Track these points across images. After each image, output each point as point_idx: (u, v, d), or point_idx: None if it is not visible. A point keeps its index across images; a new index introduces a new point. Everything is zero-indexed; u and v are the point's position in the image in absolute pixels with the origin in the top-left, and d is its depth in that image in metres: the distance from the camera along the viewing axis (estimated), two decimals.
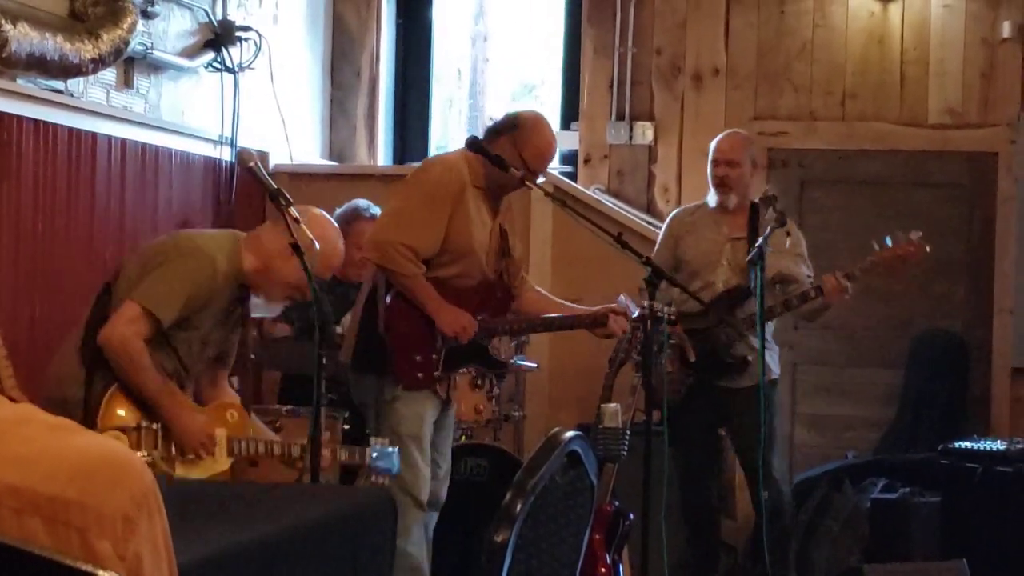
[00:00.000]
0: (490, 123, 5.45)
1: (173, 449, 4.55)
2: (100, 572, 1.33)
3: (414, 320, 5.15)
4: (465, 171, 5.21)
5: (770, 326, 6.16)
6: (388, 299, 5.14)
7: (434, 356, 5.20)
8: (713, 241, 6.36)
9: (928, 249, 6.20)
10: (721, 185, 6.35)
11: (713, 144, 6.44)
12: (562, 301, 5.69)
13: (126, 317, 4.46)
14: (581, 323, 5.46)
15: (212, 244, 4.67)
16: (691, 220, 6.47)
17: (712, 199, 6.42)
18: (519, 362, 6.41)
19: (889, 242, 6.16)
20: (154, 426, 4.49)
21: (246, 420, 4.84)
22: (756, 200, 6.30)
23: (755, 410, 6.18)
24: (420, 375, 5.17)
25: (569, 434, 2.76)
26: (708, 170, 6.44)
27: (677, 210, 6.74)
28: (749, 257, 5.87)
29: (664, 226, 6.55)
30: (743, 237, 6.29)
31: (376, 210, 6.29)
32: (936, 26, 7.84)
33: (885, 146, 7.87)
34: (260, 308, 4.90)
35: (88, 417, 4.40)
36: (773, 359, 6.30)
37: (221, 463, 4.68)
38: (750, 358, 6.19)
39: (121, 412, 4.46)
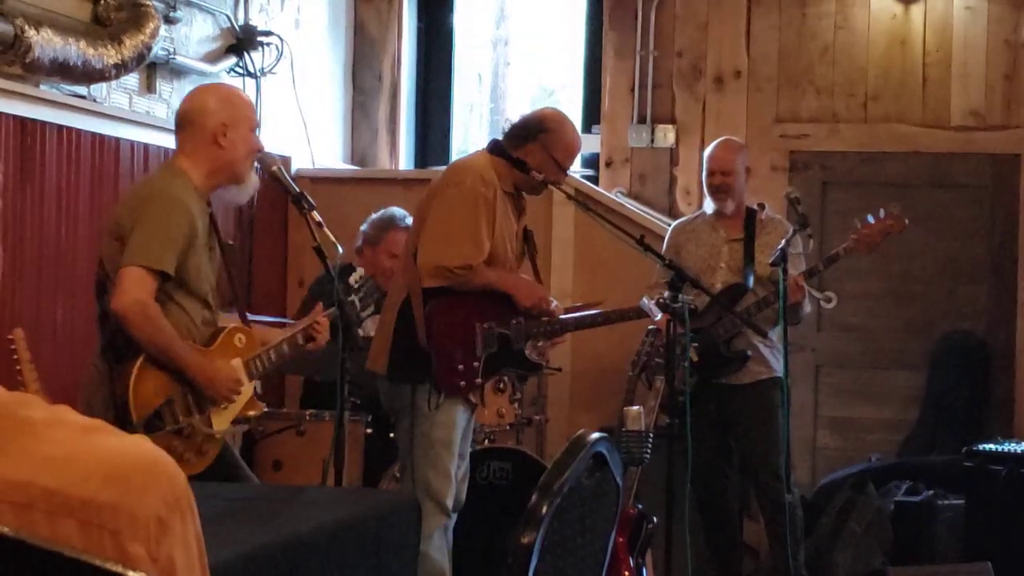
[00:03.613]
0: (509, 127, 5.41)
1: (203, 405, 4.51)
2: (133, 575, 1.33)
3: (454, 329, 5.15)
4: (495, 176, 5.19)
5: (776, 330, 6.21)
6: (426, 310, 5.11)
7: (475, 363, 5.19)
8: (711, 245, 6.52)
9: (907, 221, 6.39)
10: (717, 193, 6.53)
11: (707, 153, 6.63)
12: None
13: (130, 281, 4.32)
14: (612, 319, 5.48)
15: (164, 181, 4.54)
16: (690, 228, 6.65)
17: (709, 206, 6.61)
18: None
19: (871, 219, 6.36)
20: (181, 390, 4.45)
21: (252, 336, 4.76)
22: (752, 205, 6.57)
23: (755, 410, 6.27)
24: (463, 383, 5.17)
25: (595, 435, 2.76)
26: (703, 178, 6.63)
27: (676, 222, 6.92)
28: (771, 259, 5.94)
29: (665, 238, 6.64)
30: (739, 239, 6.47)
31: (409, 221, 6.26)
32: (958, 28, 7.83)
33: (907, 148, 7.86)
34: (241, 193, 4.79)
35: (118, 402, 4.35)
36: (776, 358, 6.34)
37: (246, 391, 4.65)
38: (749, 353, 6.32)
39: (151, 387, 4.40)
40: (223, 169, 4.60)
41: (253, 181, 4.72)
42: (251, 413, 4.78)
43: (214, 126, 4.53)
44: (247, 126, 4.61)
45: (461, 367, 5.16)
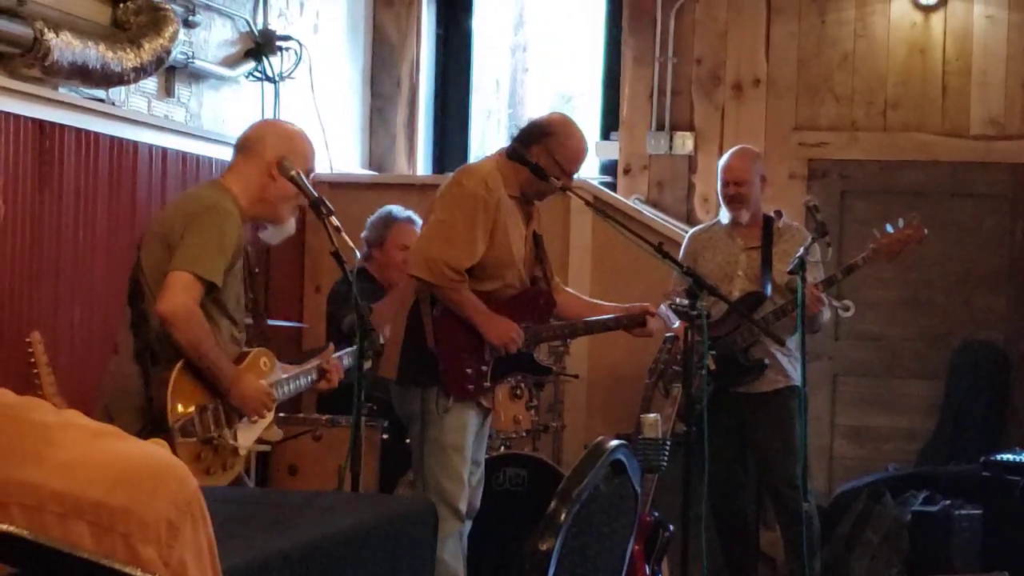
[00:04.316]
0: (517, 132, 5.41)
1: (231, 419, 4.51)
2: None
3: (462, 332, 5.16)
4: (500, 182, 5.20)
5: (793, 339, 6.18)
6: (434, 313, 5.13)
7: (484, 367, 5.21)
8: (728, 253, 6.49)
9: (926, 231, 6.35)
10: (732, 203, 6.49)
11: (721, 163, 6.57)
12: (593, 300, 5.73)
13: (180, 286, 4.32)
14: (621, 324, 5.48)
15: (216, 197, 4.55)
16: (707, 237, 6.62)
17: (725, 216, 6.57)
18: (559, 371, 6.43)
19: (890, 228, 6.32)
20: (213, 402, 4.46)
21: (275, 363, 4.80)
22: (769, 213, 6.54)
23: (772, 418, 6.25)
24: (471, 386, 5.18)
25: (613, 442, 2.74)
26: (718, 188, 6.57)
27: (693, 230, 6.89)
28: (789, 267, 5.91)
29: (682, 246, 6.61)
30: (757, 247, 6.45)
31: (409, 213, 6.32)
32: (978, 36, 7.80)
33: (927, 157, 7.84)
34: (276, 234, 4.82)
35: (155, 406, 4.33)
36: (794, 366, 6.32)
37: (269, 414, 4.66)
38: (767, 361, 6.29)
39: (186, 394, 4.38)
40: (267, 202, 4.64)
41: (290, 226, 4.77)
42: (271, 438, 4.79)
43: (271, 158, 4.56)
44: (303, 169, 4.62)
45: (470, 371, 5.17)
